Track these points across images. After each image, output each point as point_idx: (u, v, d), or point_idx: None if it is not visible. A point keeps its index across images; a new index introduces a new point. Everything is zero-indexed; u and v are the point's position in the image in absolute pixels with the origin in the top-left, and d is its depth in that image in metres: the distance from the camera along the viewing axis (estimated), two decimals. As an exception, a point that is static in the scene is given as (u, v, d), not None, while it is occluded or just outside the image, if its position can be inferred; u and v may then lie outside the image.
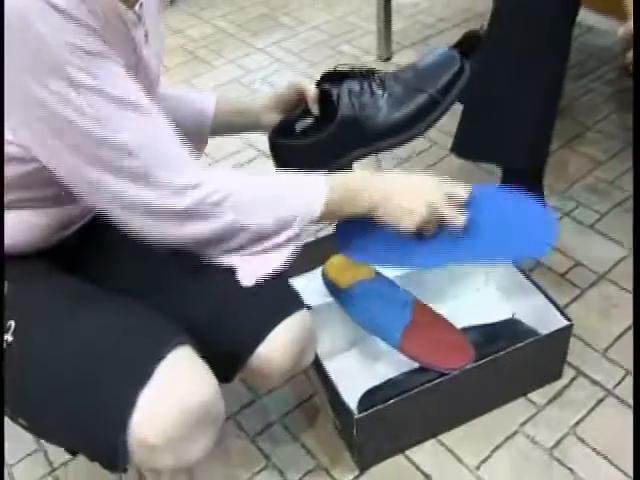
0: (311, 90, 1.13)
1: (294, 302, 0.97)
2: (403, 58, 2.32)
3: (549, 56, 1.38)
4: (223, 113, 1.16)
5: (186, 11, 2.76)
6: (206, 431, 0.80)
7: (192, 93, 1.21)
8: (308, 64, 2.34)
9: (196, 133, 1.13)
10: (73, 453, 0.97)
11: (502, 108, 1.43)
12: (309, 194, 0.92)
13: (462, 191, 1.00)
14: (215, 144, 1.31)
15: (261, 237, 0.88)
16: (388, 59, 2.32)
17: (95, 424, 0.77)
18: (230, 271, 0.93)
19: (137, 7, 0.85)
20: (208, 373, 0.81)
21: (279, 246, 0.90)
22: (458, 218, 0.99)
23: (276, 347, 0.92)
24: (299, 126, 1.17)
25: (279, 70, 2.33)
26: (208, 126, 1.15)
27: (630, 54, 1.11)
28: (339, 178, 0.95)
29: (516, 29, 1.35)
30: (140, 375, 0.76)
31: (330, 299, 1.29)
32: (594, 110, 2.00)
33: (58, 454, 1.25)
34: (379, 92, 1.11)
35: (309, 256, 1.39)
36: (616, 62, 2.17)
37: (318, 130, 1.13)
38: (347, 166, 1.13)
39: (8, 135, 0.78)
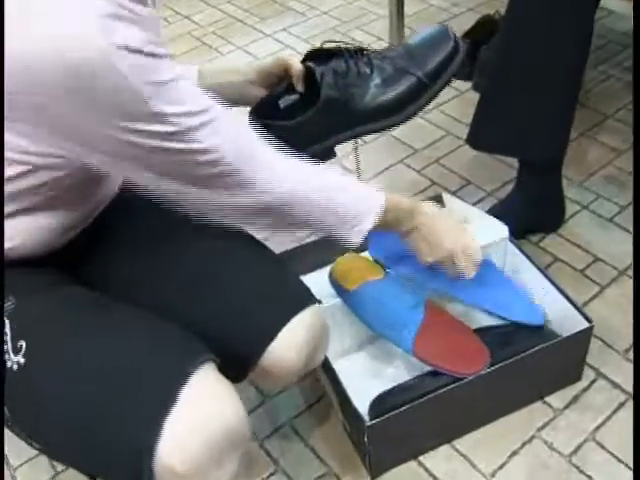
0: (296, 66, 1.04)
1: (305, 297, 0.94)
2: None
3: (570, 43, 1.32)
4: (208, 73, 1.09)
5: (193, -4, 2.71)
6: (232, 455, 0.78)
7: None
8: (318, 50, 2.28)
9: None
10: (92, 477, 0.94)
11: (520, 99, 1.37)
12: (365, 206, 0.94)
13: (479, 253, 1.11)
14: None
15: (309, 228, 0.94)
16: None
17: (119, 450, 0.74)
18: (239, 269, 0.91)
19: None
20: (232, 394, 0.78)
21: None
22: (469, 270, 1.10)
23: (287, 345, 0.89)
24: (283, 102, 1.09)
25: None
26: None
27: None
28: (394, 197, 0.98)
29: (535, 15, 1.29)
30: (165, 399, 0.73)
31: (339, 299, 1.24)
32: (614, 98, 1.93)
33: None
34: (366, 71, 1.04)
35: (318, 254, 1.36)
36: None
37: (302, 109, 1.05)
38: (329, 150, 1.08)
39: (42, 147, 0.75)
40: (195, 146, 0.75)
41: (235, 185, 0.81)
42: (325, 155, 1.08)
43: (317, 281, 1.11)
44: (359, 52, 1.05)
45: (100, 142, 0.72)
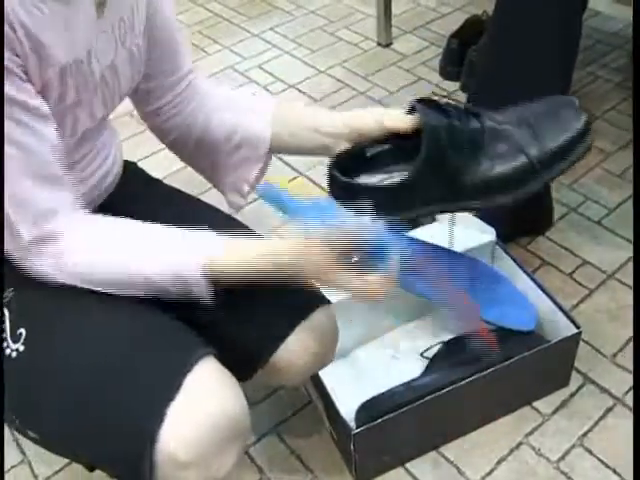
0: (406, 123, 0.84)
1: (317, 298, 0.94)
2: (404, 44, 2.24)
3: (558, 44, 1.31)
4: (288, 128, 0.95)
5: (180, -6, 2.68)
6: (233, 446, 0.77)
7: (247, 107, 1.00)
8: (306, 50, 2.26)
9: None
10: (91, 469, 0.93)
11: (508, 100, 1.36)
12: (188, 248, 0.78)
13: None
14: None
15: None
16: (388, 45, 2.24)
17: (121, 438, 0.73)
18: None
19: None
20: (235, 385, 0.78)
21: None
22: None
23: (299, 345, 0.90)
24: (370, 151, 0.89)
25: (276, 57, 2.25)
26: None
27: None
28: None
29: (522, 17, 1.28)
30: (168, 388, 0.72)
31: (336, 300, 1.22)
32: (602, 99, 1.93)
33: (43, 466, 1.20)
34: (478, 140, 0.84)
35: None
36: (625, 48, 2.09)
37: (395, 161, 0.88)
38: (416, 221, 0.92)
39: None
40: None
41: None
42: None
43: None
44: (469, 113, 0.86)
45: None
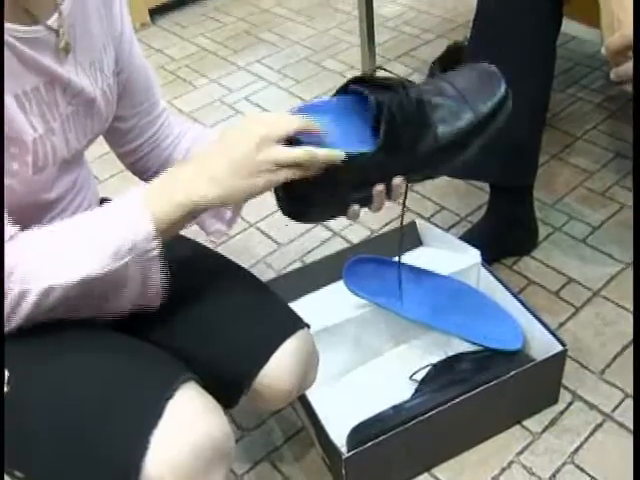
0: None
1: (295, 322, 0.96)
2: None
3: (533, 71, 1.34)
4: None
5: (167, 29, 2.73)
6: (219, 468, 0.78)
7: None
8: (292, 81, 2.30)
9: None
10: None
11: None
12: (128, 218, 0.76)
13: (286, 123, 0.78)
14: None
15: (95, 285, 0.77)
16: (373, 72, 2.27)
17: (107, 470, 0.74)
18: (226, 295, 0.93)
19: (52, 20, 0.78)
20: (217, 408, 0.79)
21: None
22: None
23: (280, 368, 0.92)
24: None
25: (263, 88, 2.29)
26: None
27: (616, 70, 1.07)
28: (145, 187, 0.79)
29: (496, 46, 1.31)
30: (150, 415, 0.74)
31: (317, 329, 1.24)
32: (583, 119, 1.96)
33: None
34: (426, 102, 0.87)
35: (300, 283, 1.36)
36: (603, 70, 2.13)
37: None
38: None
39: None
40: None
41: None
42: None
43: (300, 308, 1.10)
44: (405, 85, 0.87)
45: None
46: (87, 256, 0.74)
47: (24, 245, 0.74)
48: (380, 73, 0.93)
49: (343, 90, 0.87)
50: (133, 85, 0.96)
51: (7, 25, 0.72)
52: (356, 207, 0.86)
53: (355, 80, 0.86)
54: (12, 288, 0.72)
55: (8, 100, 0.73)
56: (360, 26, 2.22)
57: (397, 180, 0.86)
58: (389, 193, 0.86)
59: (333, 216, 0.88)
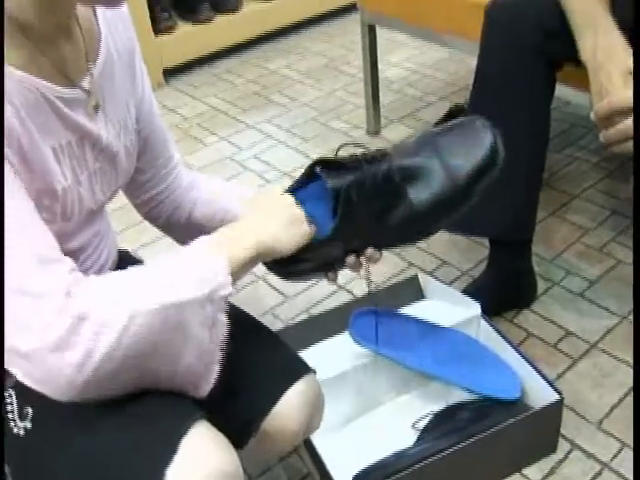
0: None
1: (302, 367, 1.02)
2: (392, 132, 2.37)
3: (529, 134, 1.41)
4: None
5: (180, 90, 2.84)
6: None
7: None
8: (300, 140, 2.39)
9: None
10: None
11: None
12: (205, 268, 0.81)
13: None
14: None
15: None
16: (377, 133, 2.37)
17: None
18: (239, 342, 0.94)
19: (85, 82, 0.86)
20: (228, 445, 0.82)
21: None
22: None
23: (289, 409, 0.96)
24: None
25: (271, 146, 2.38)
26: None
27: (605, 134, 1.14)
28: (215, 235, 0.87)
29: (494, 111, 1.38)
30: (166, 451, 0.77)
31: (323, 377, 1.28)
32: (580, 179, 2.03)
33: None
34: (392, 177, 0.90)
35: (307, 333, 1.41)
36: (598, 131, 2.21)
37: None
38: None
39: None
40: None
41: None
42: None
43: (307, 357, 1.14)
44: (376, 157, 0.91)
45: None
46: (167, 287, 0.77)
47: (96, 286, 0.75)
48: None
49: (309, 172, 0.93)
50: (152, 141, 1.04)
51: (48, 85, 0.79)
52: (330, 274, 0.97)
53: (320, 162, 0.91)
54: (91, 323, 0.71)
55: (46, 152, 0.80)
56: (365, 88, 2.32)
57: (369, 251, 0.94)
58: (369, 259, 0.96)
59: (316, 277, 0.99)
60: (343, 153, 0.92)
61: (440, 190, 0.91)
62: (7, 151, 0.73)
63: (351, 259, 0.95)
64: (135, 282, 0.78)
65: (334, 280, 0.99)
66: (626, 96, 1.10)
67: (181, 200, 1.10)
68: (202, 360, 0.82)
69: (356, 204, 0.88)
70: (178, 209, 1.10)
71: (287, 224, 0.89)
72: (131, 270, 0.80)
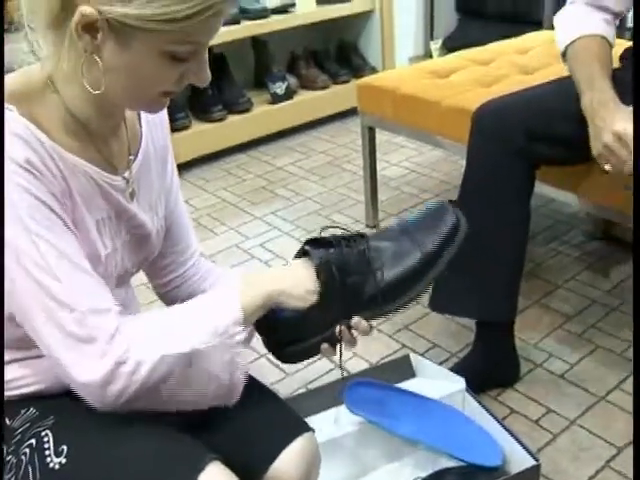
0: None
1: (301, 425, 1.10)
2: (389, 225, 2.53)
3: (511, 223, 1.58)
4: None
5: (192, 182, 3.03)
6: None
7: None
8: (303, 232, 2.56)
9: None
10: None
11: (472, 272, 1.60)
12: (220, 305, 0.97)
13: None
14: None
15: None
16: (375, 226, 2.54)
17: None
18: (246, 402, 1.04)
19: (126, 173, 1.02)
20: None
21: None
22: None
23: (288, 463, 1.04)
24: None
25: (276, 237, 2.54)
26: None
27: (605, 167, 1.39)
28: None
29: (479, 210, 1.55)
30: None
31: (325, 439, 1.38)
32: (563, 270, 2.18)
33: None
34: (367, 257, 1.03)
35: (299, 406, 1.52)
36: (580, 228, 2.39)
37: None
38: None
39: None
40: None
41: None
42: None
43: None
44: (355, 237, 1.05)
45: None
46: (192, 332, 0.94)
47: (132, 329, 0.92)
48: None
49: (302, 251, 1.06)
50: (175, 227, 1.19)
51: (97, 169, 0.96)
52: (325, 346, 1.06)
53: (310, 241, 1.05)
54: (129, 364, 0.89)
55: (91, 224, 0.96)
56: (365, 186, 2.51)
57: (355, 320, 1.05)
58: (357, 328, 1.06)
59: (311, 355, 1.08)
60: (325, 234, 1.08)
61: (410, 262, 1.05)
62: (68, 220, 0.91)
63: (341, 329, 1.05)
64: (164, 328, 0.94)
65: (331, 352, 1.07)
66: (620, 127, 1.34)
67: (196, 287, 1.23)
68: (223, 390, 0.98)
69: (335, 274, 1.02)
70: (191, 296, 1.18)
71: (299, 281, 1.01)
72: (161, 316, 0.96)
